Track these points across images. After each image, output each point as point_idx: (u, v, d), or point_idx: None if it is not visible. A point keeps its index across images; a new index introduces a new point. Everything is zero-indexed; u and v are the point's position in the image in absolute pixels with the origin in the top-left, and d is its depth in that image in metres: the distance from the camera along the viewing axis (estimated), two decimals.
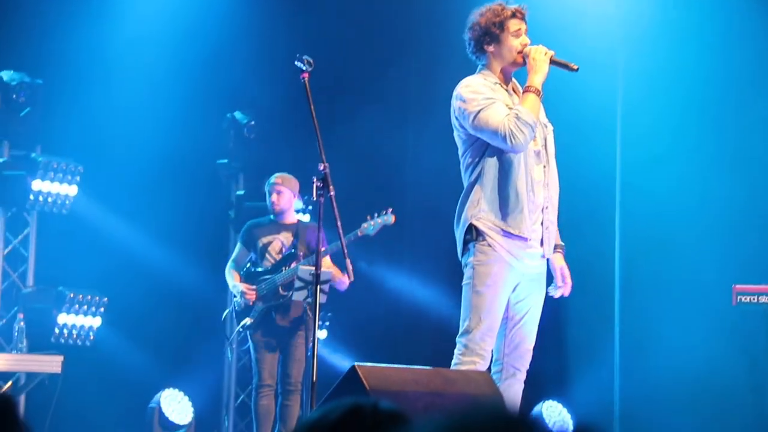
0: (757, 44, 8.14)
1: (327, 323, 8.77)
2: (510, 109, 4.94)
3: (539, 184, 5.05)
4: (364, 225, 7.23)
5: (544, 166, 5.09)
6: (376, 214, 7.28)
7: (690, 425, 7.84)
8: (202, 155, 8.94)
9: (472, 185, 5.03)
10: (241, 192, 8.94)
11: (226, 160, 8.99)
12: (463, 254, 5.05)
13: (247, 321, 7.43)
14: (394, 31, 9.26)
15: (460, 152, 5.11)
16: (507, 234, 4.97)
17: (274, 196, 7.53)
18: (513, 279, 5.01)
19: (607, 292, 8.45)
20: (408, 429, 0.70)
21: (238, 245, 7.68)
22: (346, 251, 5.38)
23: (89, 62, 8.53)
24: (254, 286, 7.46)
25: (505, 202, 4.98)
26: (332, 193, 5.24)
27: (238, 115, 8.93)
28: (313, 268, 5.51)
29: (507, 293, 5.01)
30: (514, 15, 5.07)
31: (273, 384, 7.40)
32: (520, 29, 5.08)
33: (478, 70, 5.14)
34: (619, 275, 8.46)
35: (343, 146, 8.04)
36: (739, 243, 7.98)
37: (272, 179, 7.58)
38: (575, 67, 5.00)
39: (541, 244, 5.06)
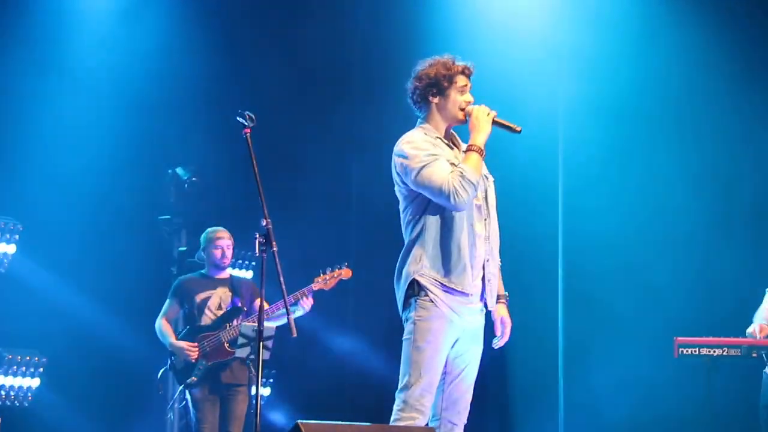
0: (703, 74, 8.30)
1: (271, 380, 8.69)
2: (452, 165, 4.97)
3: (480, 238, 5.07)
4: (317, 279, 7.20)
5: (485, 219, 5.11)
6: (329, 269, 7.26)
7: None
8: (144, 211, 8.88)
9: (413, 241, 5.03)
10: (183, 248, 8.87)
11: (168, 216, 8.94)
12: (404, 309, 5.04)
13: (191, 379, 7.34)
14: (338, 82, 9.31)
15: (401, 207, 5.11)
16: (449, 290, 4.97)
17: (222, 251, 7.49)
18: (453, 335, 5.00)
19: (551, 345, 8.48)
20: None
21: (169, 301, 7.59)
22: (288, 308, 5.35)
23: (28, 118, 8.46)
24: (195, 344, 7.38)
25: (447, 259, 4.98)
26: (275, 248, 5.21)
27: (179, 170, 8.89)
28: (256, 324, 5.47)
29: (447, 349, 5.00)
30: (462, 71, 5.11)
31: None
32: (466, 86, 5.11)
33: (418, 123, 5.16)
34: (562, 327, 8.49)
35: (288, 197, 8.05)
36: (680, 297, 8.06)
37: (216, 233, 7.54)
38: (518, 129, 5.02)
39: (482, 298, 5.07)
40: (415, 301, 4.97)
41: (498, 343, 5.17)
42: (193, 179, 8.84)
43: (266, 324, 6.46)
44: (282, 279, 5.20)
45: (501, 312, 5.17)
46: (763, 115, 8.24)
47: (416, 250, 5.01)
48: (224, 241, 7.50)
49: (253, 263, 8.86)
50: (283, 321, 7.14)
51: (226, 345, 7.32)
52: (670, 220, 8.27)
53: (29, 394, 7.88)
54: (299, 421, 4.39)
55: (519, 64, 8.68)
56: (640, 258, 8.30)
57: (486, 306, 5.09)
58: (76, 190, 8.50)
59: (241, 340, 7.17)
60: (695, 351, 6.69)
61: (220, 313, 7.45)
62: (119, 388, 8.54)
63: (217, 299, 7.48)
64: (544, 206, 8.62)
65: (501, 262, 5.21)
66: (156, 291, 8.10)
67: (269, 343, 7.09)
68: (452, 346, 5.02)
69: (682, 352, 6.70)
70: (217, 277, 7.55)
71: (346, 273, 7.26)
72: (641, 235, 8.32)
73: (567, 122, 8.68)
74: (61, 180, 8.47)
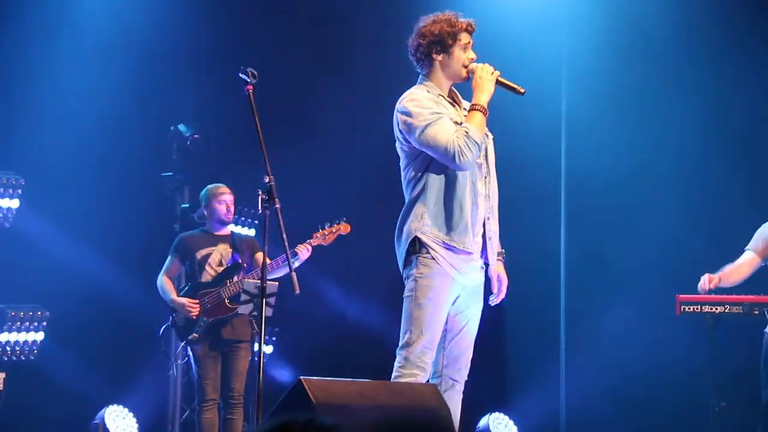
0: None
1: (274, 338, 8.72)
2: (456, 124, 4.95)
3: (481, 196, 5.06)
4: (316, 235, 7.21)
5: (486, 177, 5.10)
6: (328, 224, 7.27)
7: None
8: (147, 168, 8.87)
9: (414, 200, 5.03)
10: (186, 205, 8.87)
11: (170, 173, 8.93)
12: (405, 267, 5.05)
13: (193, 336, 7.36)
14: (340, 39, 9.26)
15: (402, 165, 5.10)
16: (450, 248, 4.97)
17: (227, 206, 7.49)
18: (454, 292, 5.02)
19: (553, 303, 8.50)
20: None
21: (171, 258, 7.59)
22: (291, 265, 5.35)
23: (31, 75, 8.43)
24: (196, 300, 7.40)
25: (449, 218, 4.98)
26: (278, 205, 5.20)
27: (181, 127, 8.87)
28: (259, 280, 5.48)
29: (448, 306, 5.01)
30: (466, 28, 5.08)
31: (216, 398, 7.35)
32: (469, 43, 5.09)
33: (419, 81, 5.13)
34: (564, 285, 8.51)
35: (291, 156, 8.03)
36: (683, 253, 8.07)
37: (219, 189, 7.53)
38: (522, 90, 5.00)
39: (483, 254, 5.08)
40: (417, 259, 4.98)
41: (494, 300, 5.19)
42: (196, 136, 8.82)
43: (269, 281, 6.47)
44: (285, 236, 5.20)
45: (498, 269, 5.17)
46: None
47: (418, 208, 5.00)
48: (227, 196, 7.51)
49: (256, 221, 8.86)
50: (282, 273, 7.16)
51: (226, 301, 7.34)
52: (675, 175, 8.26)
53: (35, 349, 7.91)
54: (302, 377, 4.41)
55: (521, 9, 8.64)
56: (644, 216, 8.29)
57: (487, 263, 5.10)
58: (80, 146, 8.49)
59: (243, 297, 7.18)
60: (697, 309, 6.70)
61: (220, 269, 7.46)
62: (123, 344, 8.57)
63: (218, 256, 7.49)
64: (545, 166, 8.60)
65: (500, 220, 5.22)
66: (159, 248, 8.11)
67: (272, 300, 7.10)
68: (453, 303, 5.04)
69: (684, 309, 6.71)
70: (218, 233, 7.56)
71: (344, 228, 7.27)
72: (645, 191, 8.31)
73: (570, 70, 8.64)
74: (64, 136, 8.45)
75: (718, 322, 6.67)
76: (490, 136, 5.19)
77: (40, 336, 7.94)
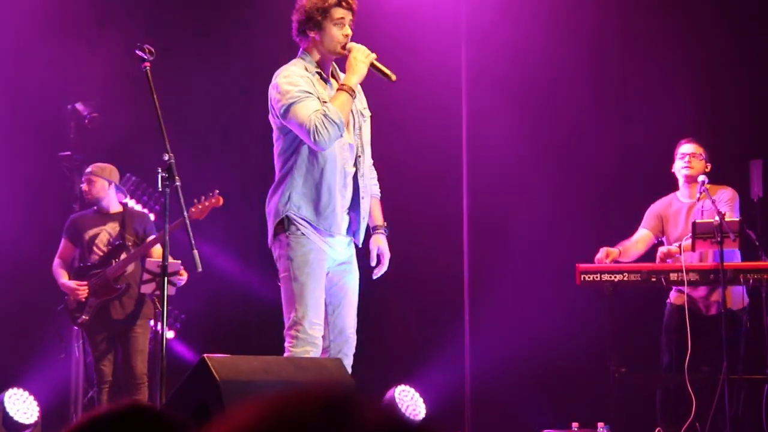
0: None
1: (177, 325, 8.65)
2: (324, 104, 4.96)
3: (351, 176, 5.10)
4: (192, 209, 7.17)
5: (359, 157, 5.14)
6: (203, 198, 7.24)
7: (538, 402, 8.02)
8: (44, 148, 8.72)
9: (283, 177, 5.06)
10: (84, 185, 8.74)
11: (68, 153, 8.78)
12: (273, 243, 5.08)
13: (83, 319, 7.29)
14: (232, 3, 9.20)
15: (273, 137, 5.13)
16: (318, 230, 5.03)
17: (85, 186, 7.45)
18: (326, 265, 5.07)
19: (456, 273, 8.57)
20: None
21: (63, 240, 7.51)
22: (193, 242, 5.32)
23: None
24: (85, 282, 7.32)
25: (317, 200, 5.02)
26: (178, 183, 5.16)
27: (79, 106, 8.72)
28: (160, 260, 5.44)
29: (324, 280, 5.05)
30: (339, 3, 5.06)
31: (113, 380, 7.29)
32: (344, 18, 5.06)
33: (298, 55, 5.14)
34: (467, 255, 8.58)
35: (189, 129, 7.96)
36: (582, 222, 8.20)
37: (88, 169, 7.49)
38: (393, 77, 5.03)
39: (350, 232, 5.12)
40: (288, 237, 5.01)
41: (376, 272, 5.24)
42: (94, 115, 8.69)
43: (171, 260, 6.41)
44: (186, 213, 5.17)
45: (378, 242, 5.23)
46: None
47: (286, 188, 5.03)
48: (88, 175, 7.45)
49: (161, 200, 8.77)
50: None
51: (112, 282, 7.27)
52: (575, 141, 8.37)
53: None
54: (205, 355, 4.39)
55: None
56: (545, 186, 8.40)
57: (355, 240, 5.14)
58: None
59: (146, 276, 7.12)
60: (597, 277, 6.82)
61: (108, 249, 7.39)
62: (22, 326, 8.42)
63: (106, 235, 7.41)
64: (447, 134, 8.65)
65: (381, 194, 5.28)
66: (57, 227, 7.98)
67: (174, 279, 7.05)
68: (327, 278, 5.09)
69: (584, 278, 6.82)
70: (110, 212, 7.47)
71: (217, 201, 7.24)
72: (546, 164, 8.42)
73: (470, 50, 8.70)
74: None
75: (617, 290, 6.80)
76: (367, 114, 5.23)
77: None
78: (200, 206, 7.17)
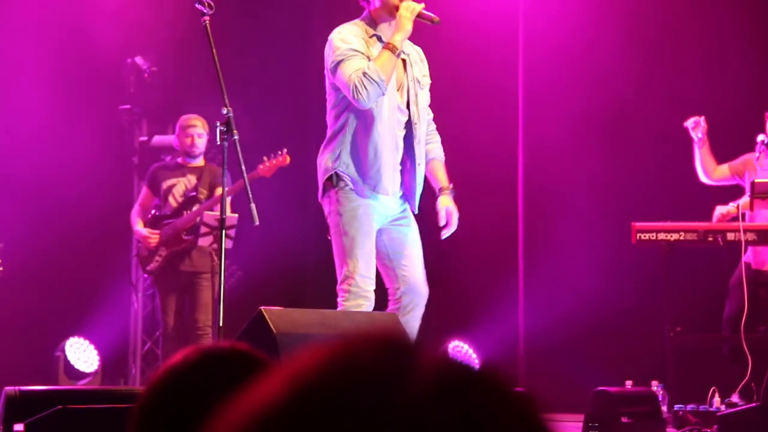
0: None
1: (234, 278, 8.73)
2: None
3: (401, 138, 5.12)
4: (260, 166, 7.20)
5: (414, 123, 5.15)
6: (271, 155, 7.26)
7: (592, 360, 8.02)
8: (104, 101, 8.80)
9: (335, 134, 5.10)
10: (144, 138, 8.83)
11: (128, 106, 8.87)
12: (323, 198, 5.13)
13: (153, 266, 7.38)
14: None
15: (326, 94, 5.16)
16: (364, 188, 5.07)
17: (194, 139, 7.42)
18: (379, 219, 5.10)
19: (510, 231, 8.57)
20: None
21: (144, 189, 7.60)
22: (250, 195, 5.37)
23: None
24: (157, 231, 7.38)
25: (364, 159, 5.06)
26: (236, 137, 5.21)
27: (138, 59, 8.79)
28: (218, 213, 5.50)
29: (374, 234, 5.09)
30: None
31: (180, 330, 7.37)
32: None
33: (360, 16, 5.16)
34: (522, 213, 8.57)
35: (245, 86, 7.99)
36: (638, 180, 8.15)
37: (188, 121, 7.45)
38: (437, 19, 5.04)
39: (405, 198, 5.16)
40: (337, 193, 5.05)
41: (444, 232, 5.25)
42: (153, 68, 8.75)
43: (228, 213, 6.47)
44: (243, 167, 5.22)
45: (444, 203, 5.24)
46: None
47: (336, 145, 5.07)
48: (195, 129, 7.43)
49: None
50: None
51: (181, 233, 7.32)
52: (633, 99, 8.30)
53: None
54: (262, 307, 4.44)
55: None
56: (599, 142, 8.35)
57: (411, 207, 5.17)
58: (34, 78, 8.41)
59: (203, 229, 7.19)
60: (653, 236, 6.78)
61: (182, 200, 7.44)
62: (83, 276, 8.56)
63: (183, 187, 7.45)
64: (502, 99, 8.62)
65: (445, 157, 5.30)
66: (117, 180, 8.10)
67: (231, 232, 7.12)
68: (383, 232, 5.12)
69: (640, 237, 6.79)
70: (190, 165, 7.50)
71: (284, 159, 7.25)
72: (600, 123, 8.35)
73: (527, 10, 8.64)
74: (18, 67, 8.37)
75: (673, 248, 6.76)
76: (425, 83, 5.25)
77: None
78: (268, 164, 7.19)
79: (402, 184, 5.19)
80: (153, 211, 7.50)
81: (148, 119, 8.94)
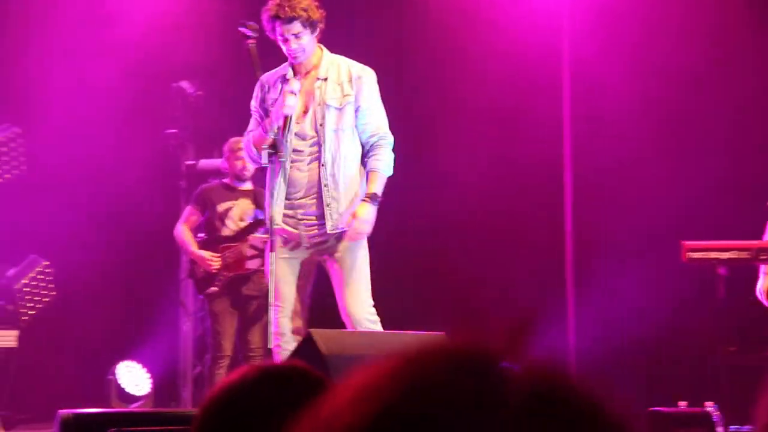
0: None
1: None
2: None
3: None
4: None
5: (323, 144, 5.35)
6: None
7: (645, 379, 7.94)
8: (150, 125, 8.86)
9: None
10: (190, 161, 8.87)
11: (174, 130, 8.91)
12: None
13: (213, 290, 7.31)
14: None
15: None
16: None
17: (245, 162, 7.39)
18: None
19: (559, 249, 8.50)
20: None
21: (191, 207, 7.50)
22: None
23: (31, 26, 8.44)
24: (218, 255, 7.33)
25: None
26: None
27: (184, 84, 8.84)
28: (267, 236, 5.51)
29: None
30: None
31: (230, 354, 7.32)
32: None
33: None
34: (571, 231, 8.50)
35: None
36: (689, 198, 8.05)
37: (238, 145, 7.42)
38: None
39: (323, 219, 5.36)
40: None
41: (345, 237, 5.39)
42: (199, 92, 8.80)
43: None
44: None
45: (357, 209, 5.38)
46: None
47: None
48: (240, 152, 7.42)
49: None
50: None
51: (246, 258, 7.27)
52: (681, 117, 8.21)
53: (46, 301, 7.99)
54: (312, 329, 4.44)
55: None
56: (649, 159, 8.27)
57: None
58: (81, 103, 8.50)
59: (250, 252, 7.18)
60: (704, 255, 6.69)
61: (242, 224, 7.40)
62: (133, 300, 8.60)
63: (239, 210, 7.42)
64: (548, 113, 8.56)
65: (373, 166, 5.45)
66: (164, 204, 8.12)
67: None
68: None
69: (690, 256, 6.71)
70: (240, 188, 7.50)
71: None
72: (651, 135, 8.26)
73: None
74: (64, 91, 8.46)
75: (725, 267, 6.67)
76: (332, 105, 5.39)
77: (51, 292, 7.98)
78: None
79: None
80: (208, 235, 7.46)
81: (194, 143, 8.98)
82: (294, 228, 5.35)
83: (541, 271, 8.56)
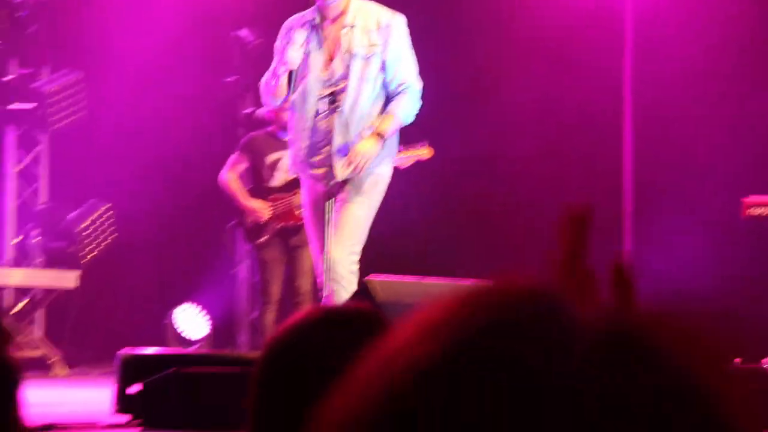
0: None
1: None
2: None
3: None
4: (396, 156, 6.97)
5: (343, 94, 5.29)
6: (410, 146, 6.85)
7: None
8: (209, 74, 8.90)
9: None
10: (248, 110, 8.90)
11: (233, 78, 8.94)
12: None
13: (262, 240, 7.34)
14: None
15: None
16: None
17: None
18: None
19: (616, 202, 8.45)
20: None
21: (238, 155, 7.42)
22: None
23: None
24: (268, 204, 7.35)
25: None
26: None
27: (243, 32, 8.85)
28: None
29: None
30: None
31: (278, 300, 7.36)
32: None
33: None
34: (631, 188, 8.44)
35: None
36: (748, 155, 7.96)
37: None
38: None
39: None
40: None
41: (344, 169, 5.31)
42: (258, 41, 8.80)
43: None
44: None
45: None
46: None
47: None
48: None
49: None
50: None
51: (295, 210, 7.28)
52: (742, 73, 8.10)
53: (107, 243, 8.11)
54: (367, 277, 4.46)
55: None
56: (709, 116, 8.17)
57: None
58: (143, 51, 8.55)
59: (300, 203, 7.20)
60: (764, 212, 6.62)
61: (292, 176, 7.38)
62: (192, 245, 8.68)
63: (288, 161, 7.41)
64: (608, 71, 8.48)
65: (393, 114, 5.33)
66: (222, 152, 8.15)
67: None
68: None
69: (750, 212, 6.64)
70: (287, 139, 7.47)
71: (424, 153, 6.70)
72: (711, 92, 8.16)
73: None
74: (127, 39, 8.52)
75: None
76: (359, 53, 5.28)
77: (111, 235, 8.10)
78: (403, 154, 6.42)
79: None
80: (257, 184, 7.47)
81: (252, 92, 9.00)
82: (317, 177, 5.38)
83: (597, 224, 8.51)
